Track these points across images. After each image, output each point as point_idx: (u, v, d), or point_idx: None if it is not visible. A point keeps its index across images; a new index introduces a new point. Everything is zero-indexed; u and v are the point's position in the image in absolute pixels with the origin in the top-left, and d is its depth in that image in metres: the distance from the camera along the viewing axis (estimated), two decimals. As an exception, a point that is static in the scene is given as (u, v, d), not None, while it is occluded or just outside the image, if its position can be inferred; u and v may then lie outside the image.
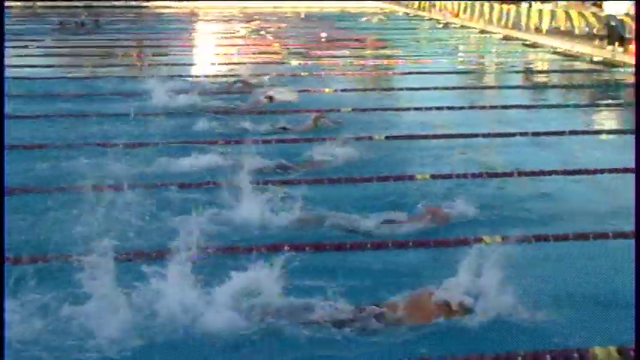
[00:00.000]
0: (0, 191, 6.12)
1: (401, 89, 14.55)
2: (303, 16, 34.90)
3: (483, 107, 12.87)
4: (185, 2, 39.39)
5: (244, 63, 18.05)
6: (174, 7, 38.83)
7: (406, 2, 39.56)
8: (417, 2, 37.79)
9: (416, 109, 12.03)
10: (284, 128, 10.12)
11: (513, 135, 10.39)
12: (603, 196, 7.61)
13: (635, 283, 4.80)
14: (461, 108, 12.61)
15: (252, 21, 31.54)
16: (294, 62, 18.33)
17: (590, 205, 7.41)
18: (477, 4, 29.43)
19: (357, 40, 24.18)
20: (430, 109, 12.17)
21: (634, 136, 9.41)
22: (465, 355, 4.34)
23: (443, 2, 33.68)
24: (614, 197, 7.63)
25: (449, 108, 12.42)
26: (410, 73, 16.85)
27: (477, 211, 6.86)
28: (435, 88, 14.24)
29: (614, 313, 5.01)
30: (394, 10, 39.03)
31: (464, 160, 8.98)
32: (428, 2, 36.02)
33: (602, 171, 8.48)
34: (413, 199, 7.13)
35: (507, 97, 14.08)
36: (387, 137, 10.05)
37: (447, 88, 14.48)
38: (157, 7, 38.57)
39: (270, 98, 11.50)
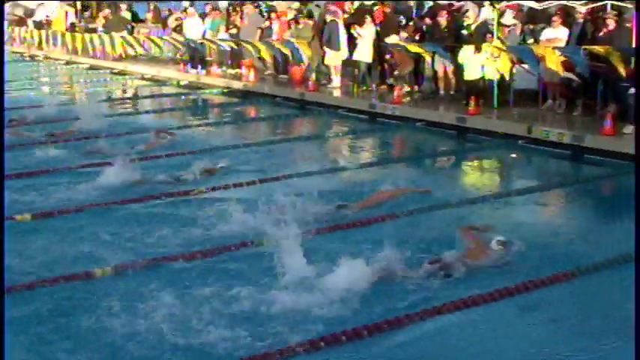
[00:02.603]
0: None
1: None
2: None
3: (80, 139, 12.51)
4: None
5: None
6: None
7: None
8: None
9: None
10: None
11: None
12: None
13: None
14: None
15: None
16: None
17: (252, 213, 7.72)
18: (59, 34, 28.74)
19: None
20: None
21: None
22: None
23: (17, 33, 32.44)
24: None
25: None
26: None
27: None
28: (27, 124, 13.73)
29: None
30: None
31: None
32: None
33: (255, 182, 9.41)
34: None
35: (111, 125, 13.90)
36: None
37: (28, 123, 13.78)
38: None
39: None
